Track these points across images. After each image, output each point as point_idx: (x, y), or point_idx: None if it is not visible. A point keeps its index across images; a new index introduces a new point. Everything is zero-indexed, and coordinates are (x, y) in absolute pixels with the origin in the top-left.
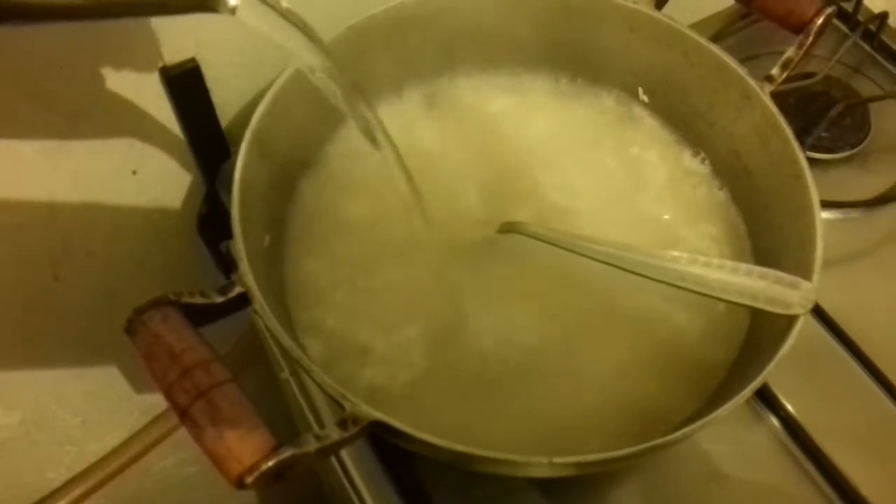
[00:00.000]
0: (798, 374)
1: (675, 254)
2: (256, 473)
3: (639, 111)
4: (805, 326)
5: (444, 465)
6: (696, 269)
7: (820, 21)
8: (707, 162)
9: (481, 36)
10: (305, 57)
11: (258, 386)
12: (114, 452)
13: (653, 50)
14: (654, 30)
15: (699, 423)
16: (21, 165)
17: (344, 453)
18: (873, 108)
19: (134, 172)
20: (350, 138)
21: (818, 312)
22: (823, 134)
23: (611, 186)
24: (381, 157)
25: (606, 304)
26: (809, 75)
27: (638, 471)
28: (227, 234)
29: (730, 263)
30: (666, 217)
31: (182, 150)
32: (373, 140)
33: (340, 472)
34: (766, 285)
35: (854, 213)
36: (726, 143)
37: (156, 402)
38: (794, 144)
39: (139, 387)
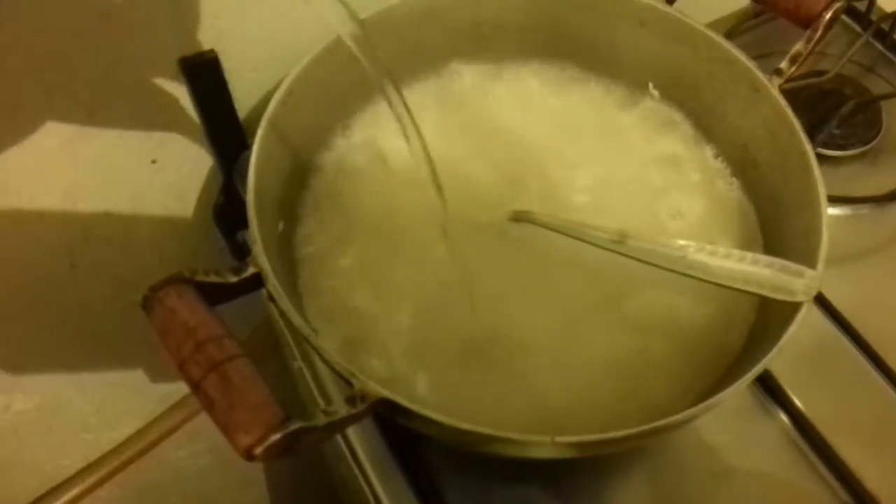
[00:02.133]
0: (806, 368)
1: (682, 242)
2: (265, 444)
3: (649, 105)
4: (814, 321)
5: (450, 452)
6: (703, 258)
7: (829, 15)
8: (717, 155)
9: (492, 27)
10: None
11: (271, 379)
12: (128, 441)
13: (663, 44)
14: (664, 24)
15: (701, 406)
16: (42, 154)
17: (354, 440)
18: (885, 106)
19: (153, 162)
20: (365, 127)
21: (826, 307)
22: (835, 131)
23: (620, 177)
24: (408, 144)
25: (613, 291)
26: (821, 73)
27: (643, 462)
28: (244, 224)
29: (736, 252)
30: (675, 207)
31: (200, 140)
32: (401, 124)
33: (350, 459)
34: (771, 273)
35: (864, 210)
36: (735, 137)
37: (171, 391)
38: (802, 137)
39: (155, 376)
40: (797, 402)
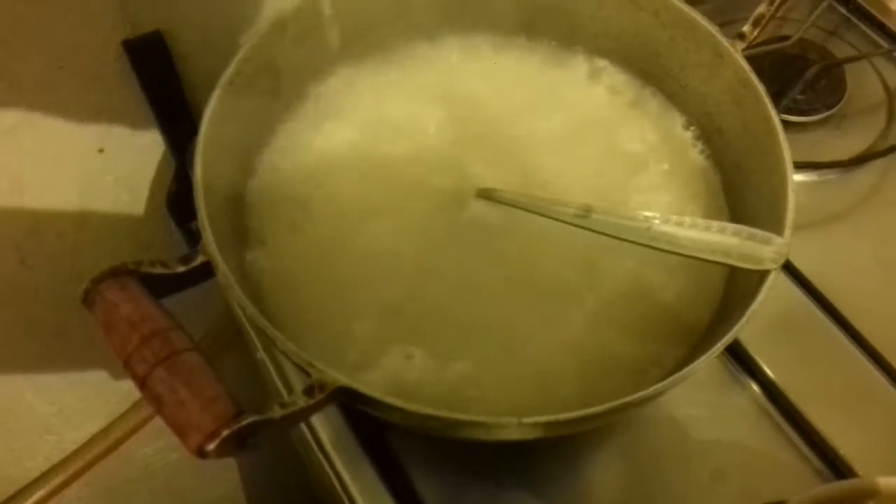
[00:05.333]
0: (776, 337)
1: (647, 214)
2: (217, 441)
3: (612, 74)
4: (782, 289)
5: (420, 440)
6: (669, 229)
7: None
8: (683, 124)
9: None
10: None
11: (236, 372)
12: (93, 440)
13: (624, 11)
14: None
15: (670, 379)
16: None
17: (320, 431)
18: (849, 70)
19: (100, 151)
20: (317, 106)
21: (794, 274)
22: (799, 96)
23: (585, 150)
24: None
25: (580, 266)
26: (784, 38)
27: (617, 439)
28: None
29: (702, 222)
30: (641, 178)
31: (150, 127)
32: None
33: (317, 450)
34: (739, 242)
35: (831, 175)
36: (700, 105)
37: (134, 388)
38: (767, 101)
39: (116, 372)
40: (768, 372)
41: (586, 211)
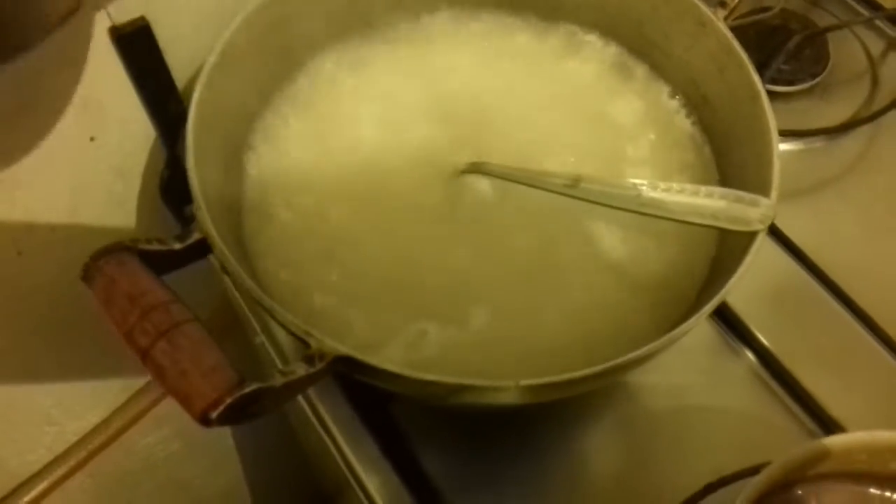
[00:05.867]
0: (767, 303)
1: (635, 181)
2: (221, 408)
3: (598, 47)
4: (773, 257)
5: (420, 410)
6: (657, 195)
7: None
8: (670, 93)
9: None
10: None
11: (233, 360)
12: (95, 430)
13: None
14: None
15: (662, 339)
16: None
17: (320, 406)
18: (831, 38)
19: (91, 139)
20: (308, 82)
21: (784, 241)
22: (783, 66)
23: (574, 122)
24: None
25: (572, 237)
26: (766, 9)
27: (614, 407)
28: (191, 197)
29: (690, 187)
30: (630, 147)
31: (141, 114)
32: None
33: (318, 426)
34: (726, 205)
35: (817, 143)
36: (685, 73)
37: (134, 377)
38: (750, 68)
39: (116, 362)
40: (761, 338)
41: (575, 181)
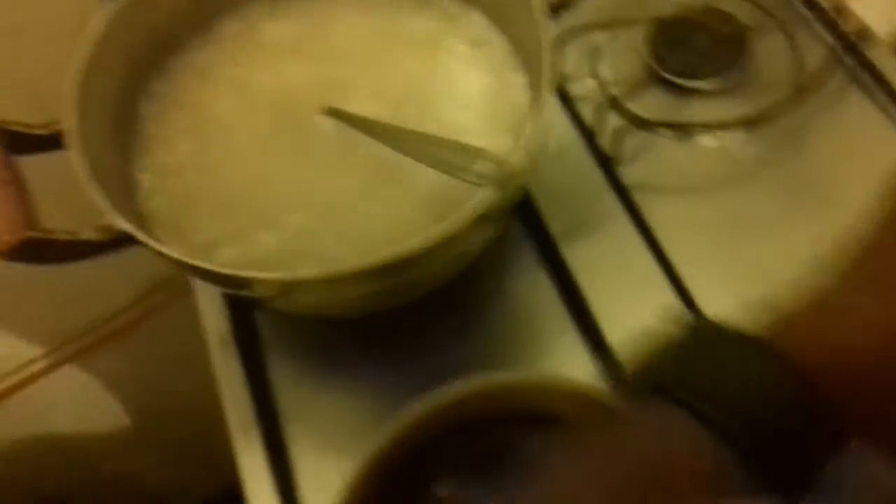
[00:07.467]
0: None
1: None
2: (2, 243)
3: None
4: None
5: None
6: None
7: None
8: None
9: None
10: None
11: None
12: None
13: None
14: None
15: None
16: None
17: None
18: (763, 40)
19: None
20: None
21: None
22: (693, 61)
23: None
24: None
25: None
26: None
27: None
28: None
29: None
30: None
31: None
32: None
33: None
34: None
35: (706, 141)
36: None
37: None
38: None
39: None
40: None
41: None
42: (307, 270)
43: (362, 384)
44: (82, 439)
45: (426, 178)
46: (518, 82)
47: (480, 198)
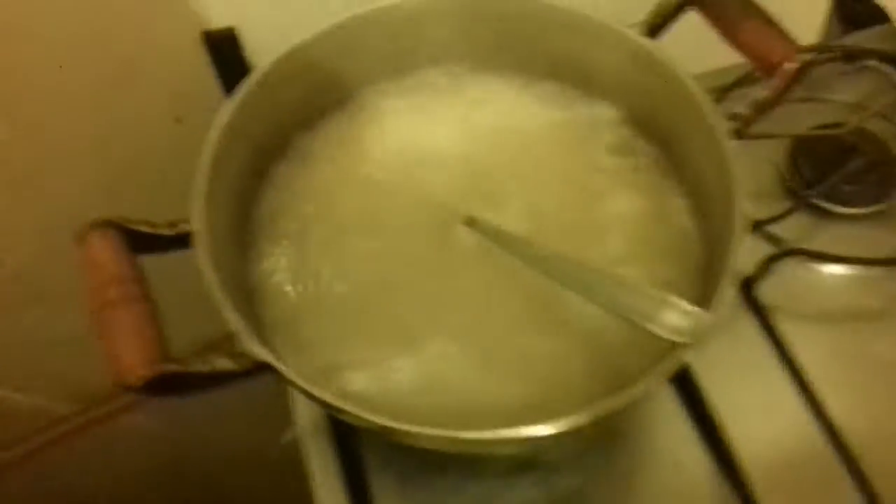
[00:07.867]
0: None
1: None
2: (139, 378)
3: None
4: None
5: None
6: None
7: (791, 67)
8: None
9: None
10: None
11: None
12: None
13: (638, 69)
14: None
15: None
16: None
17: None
18: None
19: (177, 120)
20: (337, 126)
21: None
22: (844, 186)
23: (574, 202)
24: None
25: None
26: (838, 125)
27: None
28: None
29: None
30: (616, 242)
31: None
32: None
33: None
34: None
35: (862, 272)
36: (693, 173)
37: None
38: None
39: None
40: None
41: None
42: (465, 433)
43: None
44: None
45: (589, 315)
46: (676, 204)
47: (676, 357)
